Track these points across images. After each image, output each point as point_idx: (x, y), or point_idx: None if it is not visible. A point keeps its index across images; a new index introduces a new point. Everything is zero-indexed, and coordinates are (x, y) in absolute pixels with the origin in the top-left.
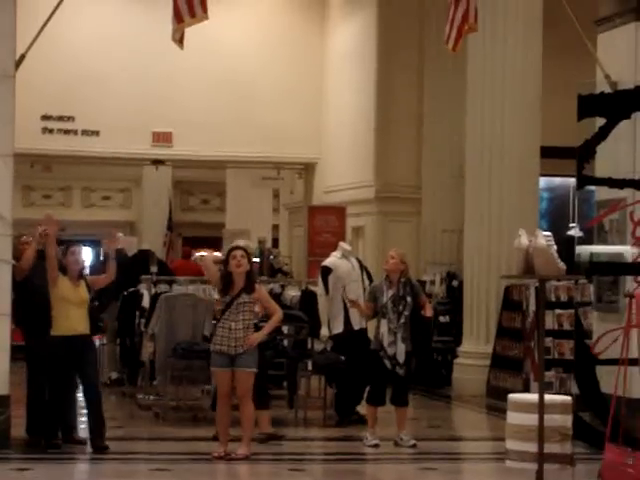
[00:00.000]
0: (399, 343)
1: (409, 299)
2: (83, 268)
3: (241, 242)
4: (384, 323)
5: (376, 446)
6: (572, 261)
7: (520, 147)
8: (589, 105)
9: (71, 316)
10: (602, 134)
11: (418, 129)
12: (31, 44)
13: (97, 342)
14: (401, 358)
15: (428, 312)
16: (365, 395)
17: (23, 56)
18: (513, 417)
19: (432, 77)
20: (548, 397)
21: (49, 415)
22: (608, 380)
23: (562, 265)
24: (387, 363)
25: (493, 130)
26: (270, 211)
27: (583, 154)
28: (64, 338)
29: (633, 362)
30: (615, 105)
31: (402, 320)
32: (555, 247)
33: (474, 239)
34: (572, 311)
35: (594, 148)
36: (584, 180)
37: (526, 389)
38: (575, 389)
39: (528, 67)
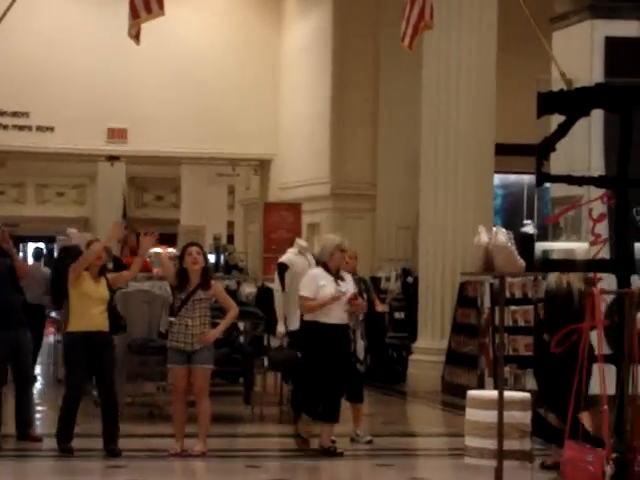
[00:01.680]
0: (359, 340)
1: (365, 295)
2: (104, 265)
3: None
4: None
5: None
6: (527, 258)
7: (475, 144)
8: (549, 102)
9: (90, 313)
10: (561, 131)
11: (373, 126)
12: None
13: (52, 338)
14: (361, 355)
15: (380, 307)
16: None
17: None
18: (472, 414)
19: (387, 74)
20: (507, 394)
21: (63, 418)
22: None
23: (522, 262)
24: None
25: (448, 127)
26: (225, 207)
27: (542, 151)
28: (82, 334)
29: (592, 359)
30: (575, 102)
31: (360, 317)
32: (514, 244)
33: (429, 236)
34: (527, 307)
35: (554, 145)
36: (543, 177)
37: (481, 385)
38: (530, 385)
39: (483, 64)
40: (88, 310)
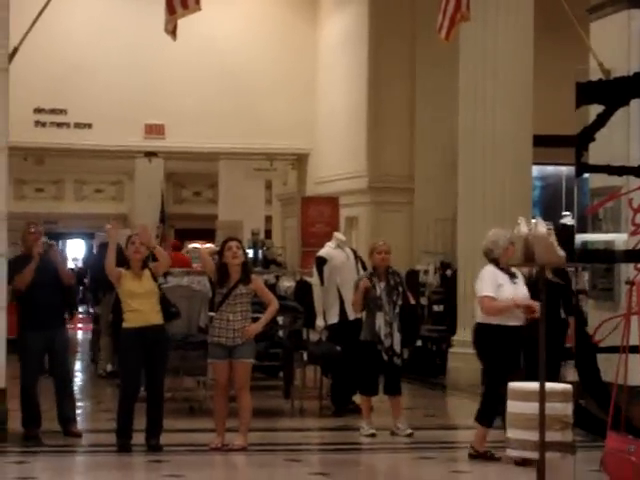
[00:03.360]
0: (395, 333)
1: (400, 289)
2: (145, 257)
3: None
4: (380, 315)
5: (372, 435)
6: (566, 249)
7: (513, 135)
8: (587, 92)
9: (140, 309)
10: (600, 121)
11: (410, 119)
12: (24, 37)
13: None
14: (398, 348)
15: (411, 299)
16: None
17: (16, 49)
18: (513, 406)
19: (424, 66)
20: (549, 385)
21: (121, 414)
22: (608, 368)
23: (562, 253)
24: (384, 355)
25: (485, 119)
26: (263, 202)
27: (582, 141)
28: (135, 330)
29: (634, 350)
30: (613, 92)
31: (396, 310)
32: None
33: (467, 228)
34: None
35: (593, 135)
36: (583, 167)
37: None
38: (572, 376)
39: (520, 55)
40: (137, 307)
